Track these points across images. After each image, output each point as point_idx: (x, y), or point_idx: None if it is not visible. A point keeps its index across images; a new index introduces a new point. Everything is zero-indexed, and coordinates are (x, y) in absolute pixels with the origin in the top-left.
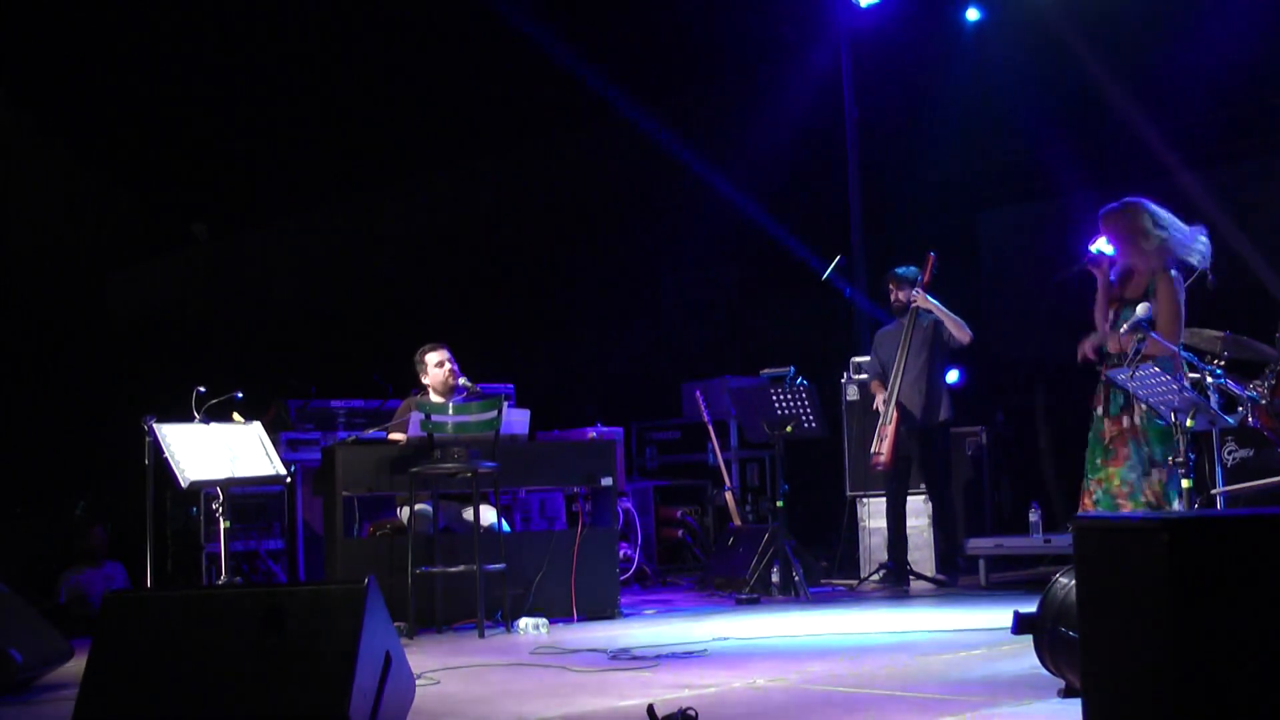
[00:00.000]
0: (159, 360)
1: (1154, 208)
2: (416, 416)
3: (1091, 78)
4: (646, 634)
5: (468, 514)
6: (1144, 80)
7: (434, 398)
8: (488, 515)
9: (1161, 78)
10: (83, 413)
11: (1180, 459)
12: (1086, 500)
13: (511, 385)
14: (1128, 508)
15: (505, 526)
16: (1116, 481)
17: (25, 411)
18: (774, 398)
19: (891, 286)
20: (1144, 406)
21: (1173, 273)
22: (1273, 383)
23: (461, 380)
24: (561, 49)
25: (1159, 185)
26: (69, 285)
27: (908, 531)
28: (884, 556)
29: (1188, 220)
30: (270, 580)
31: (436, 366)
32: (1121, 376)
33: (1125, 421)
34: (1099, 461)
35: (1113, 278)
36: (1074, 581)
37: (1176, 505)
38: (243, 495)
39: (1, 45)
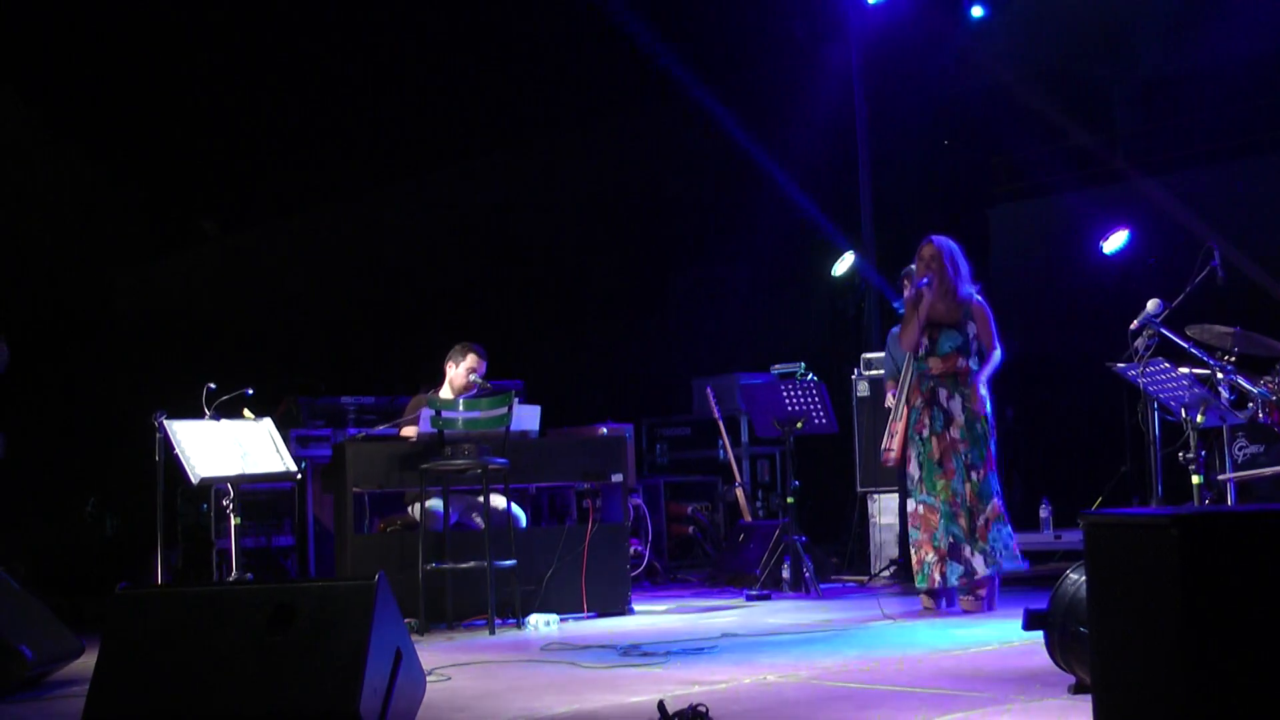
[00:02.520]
0: (169, 357)
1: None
2: (427, 413)
3: (1100, 74)
4: (657, 630)
5: (476, 508)
6: (1154, 76)
7: (444, 394)
8: (499, 502)
9: (1172, 74)
10: (93, 410)
11: (1191, 455)
12: (934, 516)
13: (520, 382)
14: (961, 516)
15: (519, 511)
16: (950, 493)
17: (35, 409)
18: (785, 394)
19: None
20: (961, 419)
21: (979, 297)
22: None
23: (472, 376)
24: (572, 46)
25: (1170, 181)
26: (78, 282)
27: None
28: (895, 552)
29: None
30: (281, 577)
31: (470, 370)
32: (1132, 373)
33: (949, 436)
34: (935, 479)
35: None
36: (1084, 578)
37: (995, 501)
38: (253, 491)
39: (12, 43)
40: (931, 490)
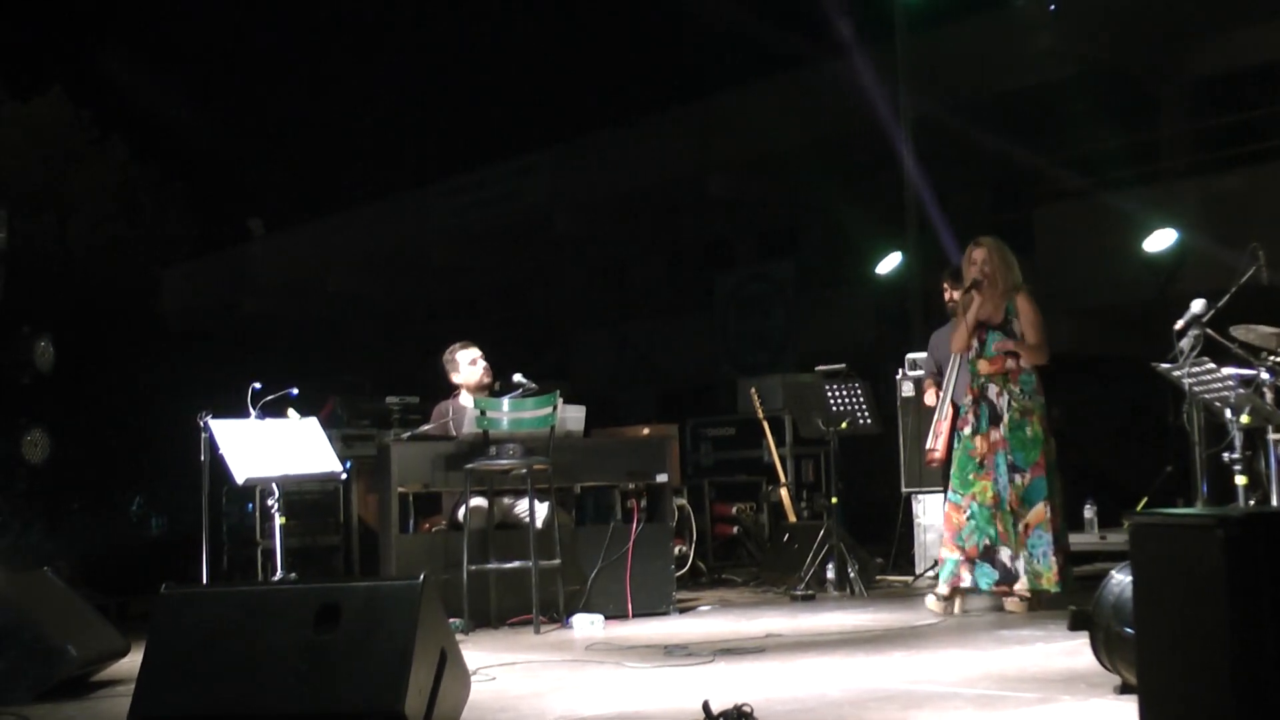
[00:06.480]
0: (214, 356)
1: None
2: (472, 413)
3: (1149, 72)
4: (701, 631)
5: (519, 508)
6: (1203, 74)
7: (465, 398)
8: (541, 511)
9: (1221, 72)
10: (139, 409)
11: (1236, 455)
12: (959, 516)
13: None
14: (999, 519)
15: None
16: (989, 494)
17: (82, 408)
18: (829, 394)
19: (947, 285)
20: (1008, 418)
21: (1025, 293)
22: None
23: (516, 376)
24: (615, 45)
25: (1211, 181)
26: (125, 281)
27: None
28: (939, 553)
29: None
30: (326, 576)
31: (470, 364)
32: (1177, 373)
33: (994, 435)
34: (970, 477)
35: None
36: (1129, 578)
37: (1040, 505)
38: (298, 491)
39: (61, 45)
40: (963, 490)
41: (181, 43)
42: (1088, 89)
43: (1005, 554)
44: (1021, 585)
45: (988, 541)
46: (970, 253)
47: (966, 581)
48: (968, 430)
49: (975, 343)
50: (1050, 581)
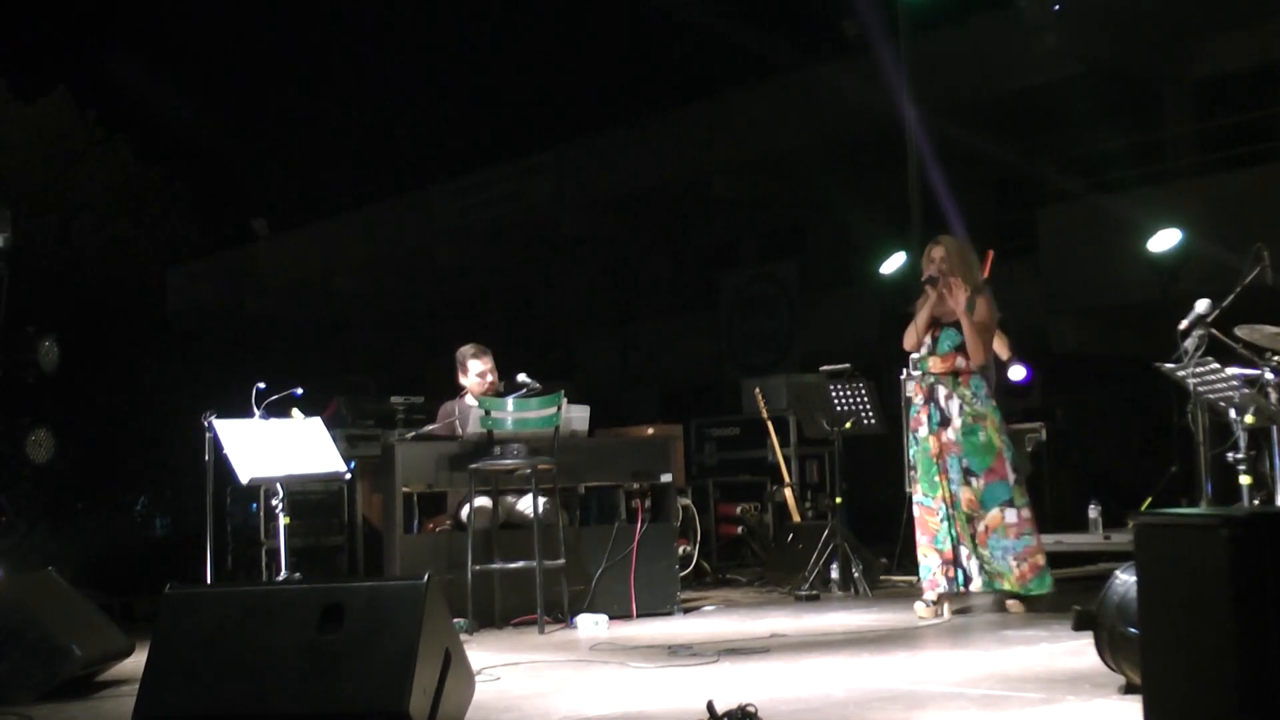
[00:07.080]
0: (218, 356)
1: None
2: (476, 413)
3: (1153, 71)
4: (706, 631)
5: (522, 505)
6: (1207, 74)
7: (470, 398)
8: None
9: (1225, 72)
10: (142, 409)
11: (1241, 455)
12: (934, 519)
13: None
14: (958, 521)
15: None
16: (947, 495)
17: (86, 409)
18: (833, 394)
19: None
20: (959, 423)
21: (987, 295)
22: None
23: (521, 376)
24: (619, 46)
25: (1215, 182)
26: (130, 282)
27: None
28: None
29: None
30: (330, 577)
31: (478, 376)
32: (1181, 373)
33: (945, 437)
34: (936, 479)
35: None
36: (1134, 578)
37: (997, 510)
38: (303, 491)
39: (65, 46)
40: (932, 492)
41: (185, 43)
42: (1091, 89)
43: (963, 554)
44: (975, 585)
45: (951, 543)
46: (929, 250)
47: (943, 586)
48: (922, 431)
49: (929, 339)
50: (1012, 583)
